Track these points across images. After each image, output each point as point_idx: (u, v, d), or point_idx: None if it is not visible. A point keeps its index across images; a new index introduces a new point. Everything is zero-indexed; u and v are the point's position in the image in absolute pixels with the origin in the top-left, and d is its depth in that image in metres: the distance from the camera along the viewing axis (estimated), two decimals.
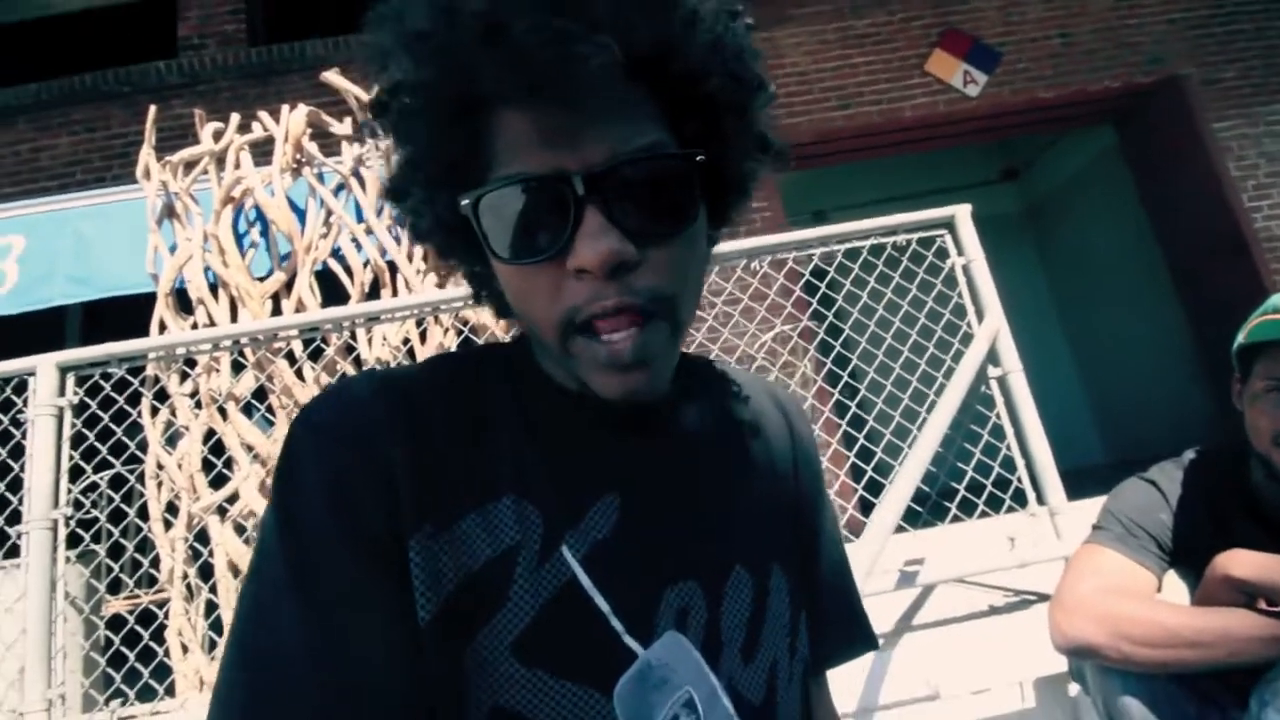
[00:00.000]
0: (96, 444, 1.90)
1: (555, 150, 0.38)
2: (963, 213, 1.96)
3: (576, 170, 0.38)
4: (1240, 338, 0.98)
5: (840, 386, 1.95)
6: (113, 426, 1.91)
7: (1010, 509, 1.81)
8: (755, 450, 0.53)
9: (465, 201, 0.40)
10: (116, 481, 1.99)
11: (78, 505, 1.86)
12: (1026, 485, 1.77)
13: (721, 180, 0.45)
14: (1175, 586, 1.03)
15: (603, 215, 0.38)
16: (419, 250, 2.23)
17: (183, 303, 2.16)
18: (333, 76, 2.37)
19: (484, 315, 2.14)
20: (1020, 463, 1.78)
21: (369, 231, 2.19)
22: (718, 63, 0.41)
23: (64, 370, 1.88)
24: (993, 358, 1.86)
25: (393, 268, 2.19)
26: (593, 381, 0.40)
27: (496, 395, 0.45)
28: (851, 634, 0.57)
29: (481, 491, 0.41)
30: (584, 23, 0.35)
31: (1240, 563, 0.87)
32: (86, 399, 1.89)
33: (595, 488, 0.43)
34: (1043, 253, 6.55)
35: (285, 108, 2.29)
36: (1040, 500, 1.76)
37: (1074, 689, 1.57)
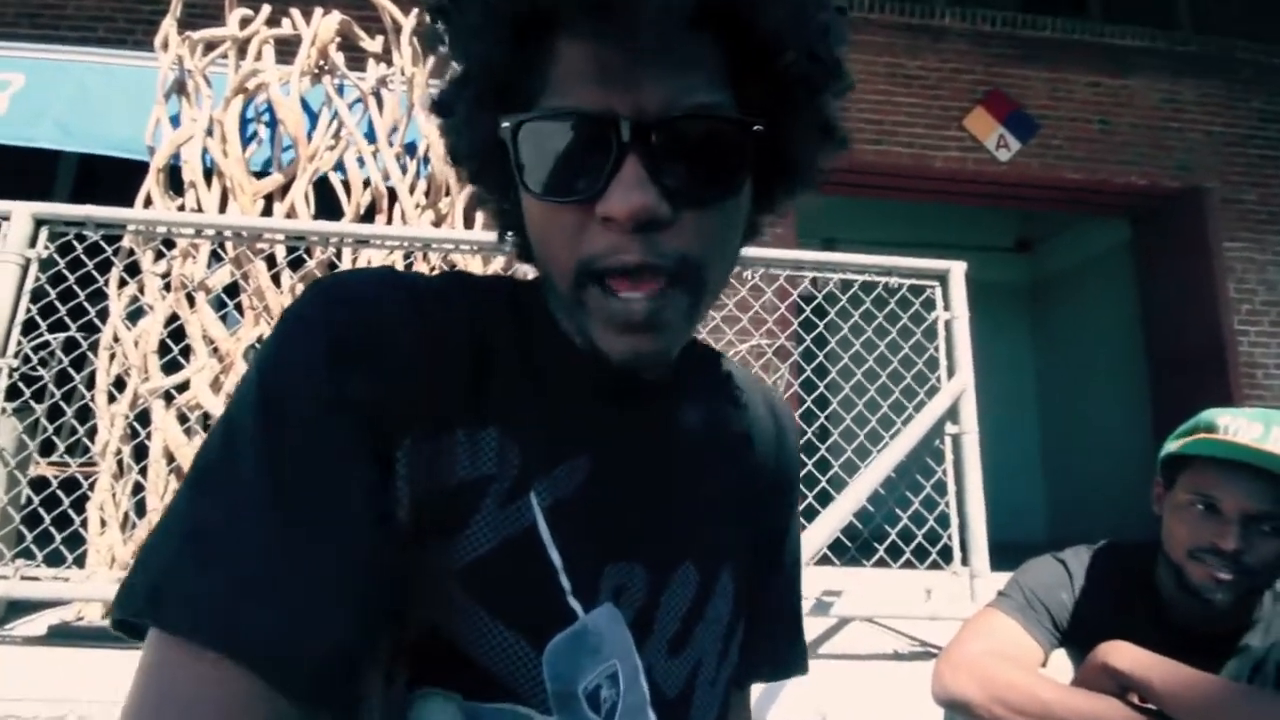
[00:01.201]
0: (57, 303, 1.87)
1: (608, 89, 0.36)
2: (958, 269, 1.98)
3: (626, 114, 0.36)
4: (1172, 446, 1.00)
5: (801, 412, 1.97)
6: (77, 289, 1.88)
7: (935, 564, 1.85)
8: (737, 453, 0.51)
9: (505, 125, 0.38)
10: (69, 345, 1.97)
11: (25, 360, 1.84)
12: (955, 544, 1.81)
13: (776, 160, 0.42)
14: (1062, 665, 1.07)
15: (642, 166, 0.36)
16: (422, 184, 2.21)
17: (174, 183, 2.12)
18: None
19: (473, 263, 2.13)
20: (955, 521, 1.82)
21: (376, 154, 2.16)
22: (799, 33, 0.38)
23: (40, 222, 1.85)
24: (953, 415, 1.90)
25: (392, 196, 2.16)
26: (598, 338, 0.39)
27: (503, 327, 0.43)
28: (788, 656, 0.55)
29: (474, 412, 0.39)
30: None
31: (1121, 654, 0.90)
32: (56, 255, 1.87)
33: (572, 445, 0.42)
34: (1036, 328, 6.64)
35: (319, 10, 2.25)
36: (965, 561, 1.80)
37: None
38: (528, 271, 0.48)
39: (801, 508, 1.90)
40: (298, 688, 0.30)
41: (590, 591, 0.40)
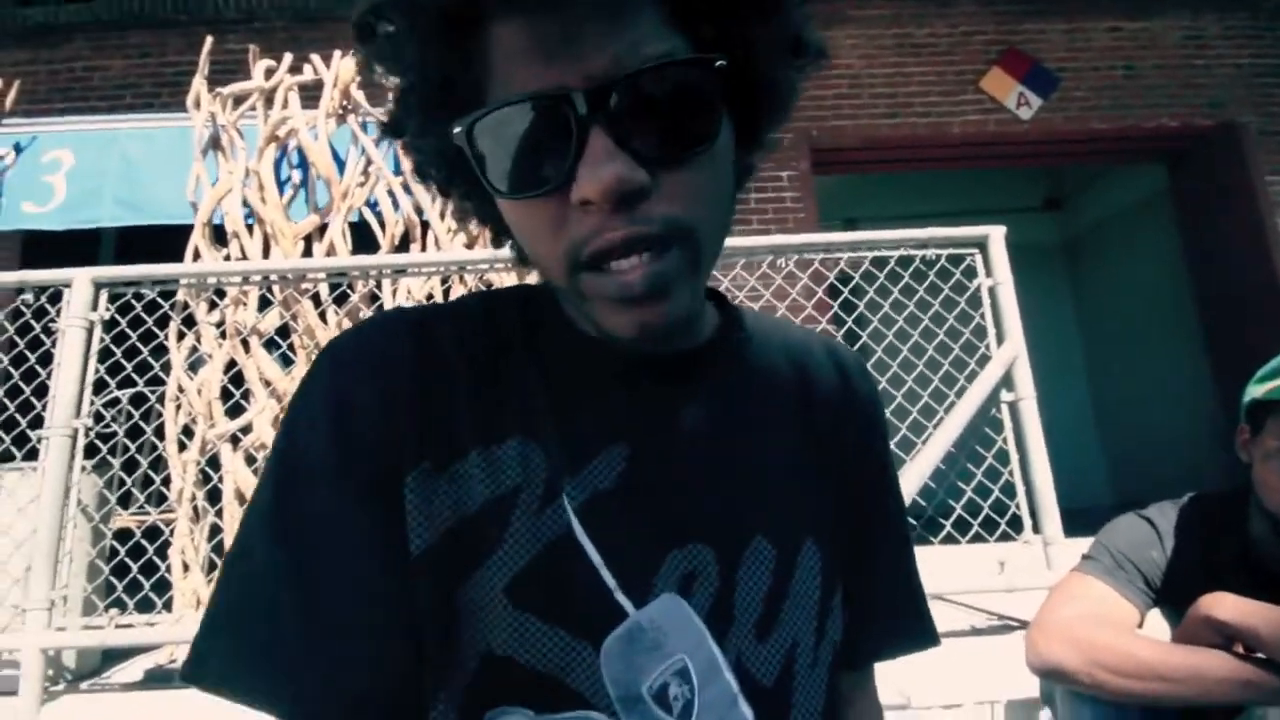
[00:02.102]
0: (122, 361, 1.96)
1: (553, 65, 0.34)
2: (997, 234, 1.94)
3: (578, 86, 0.33)
4: (1256, 391, 0.97)
5: None
6: (139, 346, 1.97)
7: (1005, 535, 1.81)
8: (800, 411, 0.47)
9: (458, 129, 0.35)
10: (137, 399, 2.06)
11: (98, 418, 1.93)
12: (1024, 512, 1.77)
13: (750, 91, 0.39)
14: (1158, 624, 1.04)
15: (609, 137, 0.33)
16: (450, 209, 2.25)
17: (218, 234, 2.21)
18: None
19: (509, 279, 2.17)
20: (1021, 489, 1.78)
21: (405, 185, 2.21)
22: None
23: (99, 286, 1.93)
24: (1008, 383, 1.86)
25: (424, 224, 2.21)
26: (606, 321, 0.37)
27: (515, 336, 0.42)
28: (907, 627, 0.50)
29: (488, 431, 0.39)
30: None
31: (1223, 605, 0.88)
32: (117, 316, 1.95)
33: (604, 436, 0.40)
34: (1075, 287, 6.45)
35: (337, 53, 2.32)
36: (1036, 529, 1.76)
37: (1044, 715, 1.58)
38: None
39: None
40: None
41: (643, 585, 0.38)
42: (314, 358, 0.41)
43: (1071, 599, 1.02)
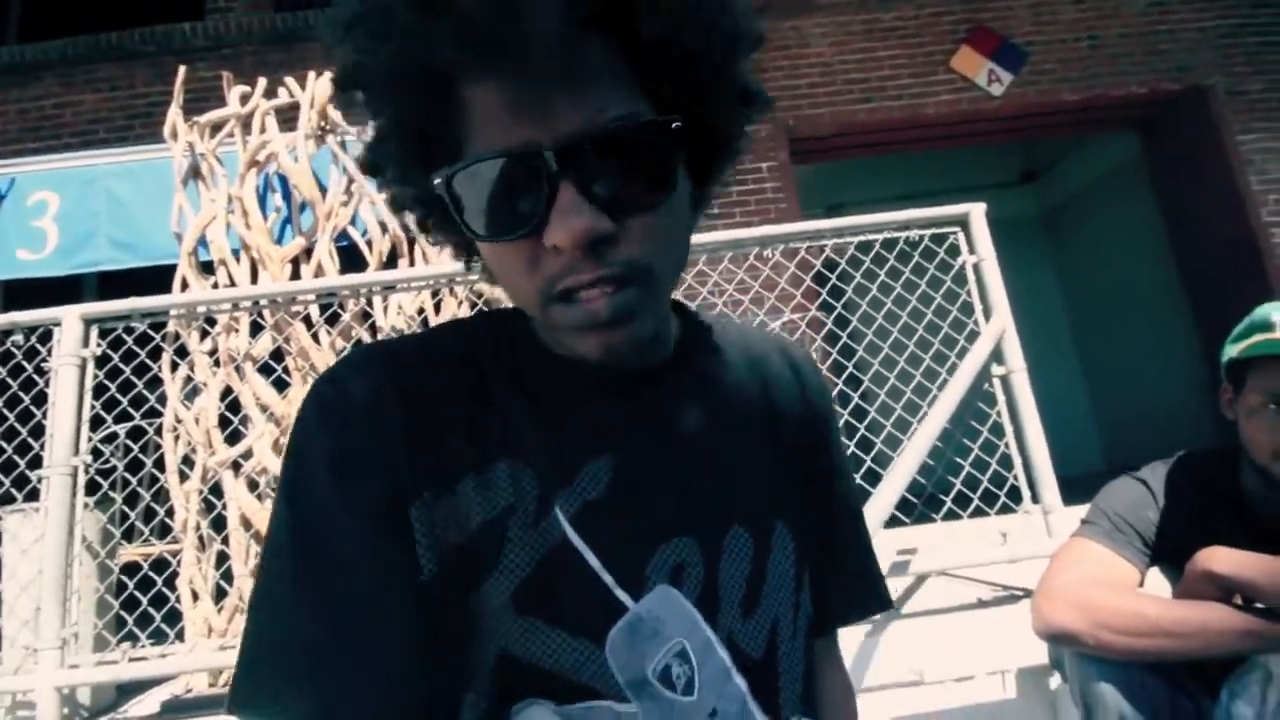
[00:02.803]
0: (117, 395, 1.95)
1: (525, 123, 0.37)
2: (977, 211, 1.97)
3: (549, 144, 0.36)
4: (1232, 351, 1.00)
5: (845, 378, 1.98)
6: (133, 379, 1.96)
7: (1005, 507, 1.84)
8: (761, 407, 0.52)
9: (437, 181, 0.39)
10: (135, 433, 2.05)
11: (96, 454, 1.92)
12: (1022, 483, 1.80)
13: (705, 140, 0.43)
14: (1159, 582, 1.07)
15: (576, 190, 0.37)
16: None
17: (204, 264, 2.21)
18: None
19: (499, 289, 2.18)
20: (1018, 460, 1.81)
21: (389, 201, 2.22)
22: (692, 13, 0.38)
23: (88, 322, 1.92)
24: (997, 357, 1.89)
25: (410, 238, 2.22)
26: (576, 344, 0.41)
27: (494, 362, 0.45)
28: (862, 593, 0.56)
29: (477, 457, 0.42)
30: None
31: (1221, 559, 0.90)
32: (109, 351, 1.95)
33: (589, 450, 0.44)
34: (1057, 258, 6.53)
35: (311, 74, 2.32)
36: (1035, 499, 1.79)
37: (1055, 681, 1.61)
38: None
39: (860, 473, 1.91)
40: None
41: (637, 579, 0.42)
42: (299, 407, 0.42)
43: (1072, 564, 1.05)
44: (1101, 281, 5.97)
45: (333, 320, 2.12)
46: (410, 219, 0.48)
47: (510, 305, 0.48)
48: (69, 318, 1.90)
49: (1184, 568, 0.96)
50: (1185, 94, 4.33)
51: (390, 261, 2.21)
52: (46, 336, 1.93)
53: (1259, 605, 0.89)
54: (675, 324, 0.52)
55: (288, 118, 2.32)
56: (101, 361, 1.95)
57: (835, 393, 2.13)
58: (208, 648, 1.84)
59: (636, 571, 0.42)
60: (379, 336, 2.09)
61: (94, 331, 1.94)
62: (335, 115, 2.27)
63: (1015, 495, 1.82)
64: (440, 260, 2.20)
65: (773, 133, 4.11)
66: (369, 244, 2.19)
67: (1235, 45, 4.37)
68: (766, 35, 0.44)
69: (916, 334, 1.97)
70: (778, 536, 0.48)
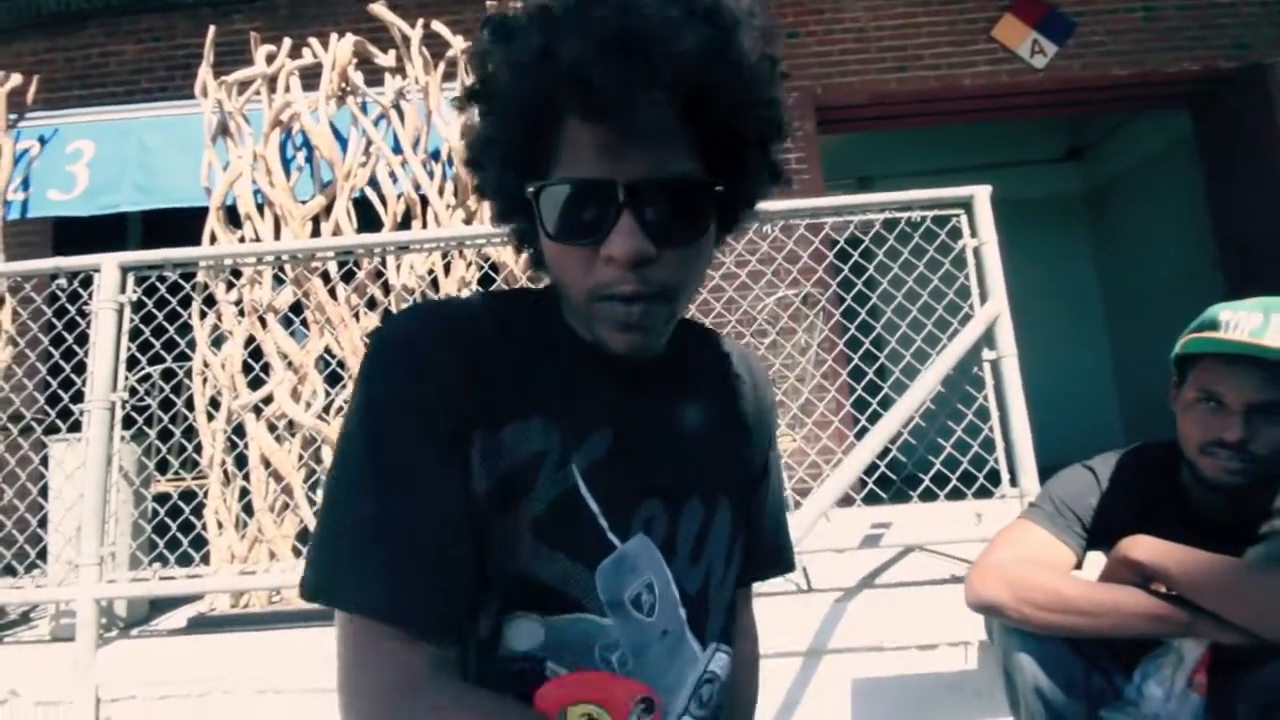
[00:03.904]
0: (151, 339, 2.10)
1: (607, 162, 0.48)
2: (982, 194, 1.96)
3: (621, 181, 0.48)
4: (1177, 346, 1.02)
5: (834, 355, 2.01)
6: (166, 325, 2.11)
7: (983, 490, 1.88)
8: (726, 409, 0.66)
9: (530, 190, 0.51)
10: (167, 374, 2.21)
11: (133, 392, 2.08)
12: (1002, 467, 1.83)
13: (734, 199, 0.56)
14: (1098, 566, 1.12)
15: (634, 219, 0.49)
16: (449, 186, 2.33)
17: (232, 217, 2.32)
18: (380, 9, 2.44)
19: (505, 254, 2.25)
20: (1000, 445, 1.84)
21: (404, 164, 2.29)
22: (748, 111, 0.51)
23: (125, 270, 2.06)
24: (990, 341, 1.90)
25: (424, 201, 2.30)
26: (604, 336, 0.52)
27: (534, 336, 0.56)
28: (776, 559, 0.73)
29: (521, 409, 0.53)
30: (648, 71, 0.45)
31: (1141, 547, 0.95)
32: (144, 298, 2.09)
33: (596, 421, 0.55)
34: (1097, 238, 6.30)
35: (334, 36, 2.38)
36: (1014, 483, 1.82)
37: (1023, 659, 1.67)
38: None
39: (843, 447, 1.97)
40: (436, 636, 0.48)
41: (625, 527, 0.55)
42: (375, 335, 0.54)
43: (1011, 543, 1.10)
44: (1140, 265, 5.76)
45: (349, 277, 2.22)
46: (492, 209, 0.60)
47: (518, 274, 0.62)
48: (108, 265, 2.04)
49: (1111, 552, 1.00)
50: (1241, 73, 4.10)
51: (404, 222, 2.29)
52: (88, 281, 2.07)
53: (1174, 593, 0.93)
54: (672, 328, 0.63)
55: (312, 76, 2.39)
56: (138, 307, 2.10)
57: (850, 368, 2.16)
58: (230, 572, 2.02)
59: (624, 520, 0.55)
60: (391, 295, 2.19)
61: (130, 279, 2.08)
62: (356, 78, 2.33)
63: (995, 479, 1.85)
64: (451, 223, 2.28)
65: (800, 101, 4.04)
66: (384, 204, 2.28)
67: None
68: (792, 128, 0.57)
69: (910, 315, 1.98)
70: (720, 507, 0.62)
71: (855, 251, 2.01)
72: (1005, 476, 1.84)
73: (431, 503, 0.49)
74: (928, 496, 1.89)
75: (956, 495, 1.90)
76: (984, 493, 1.87)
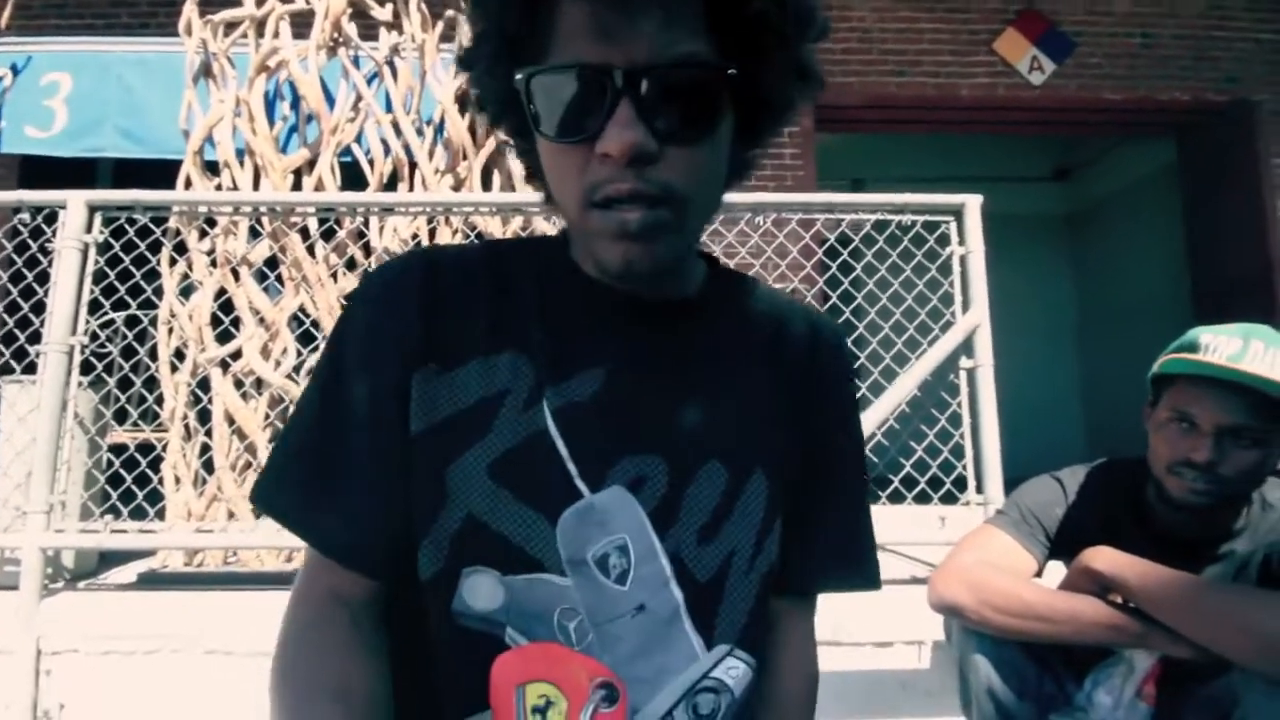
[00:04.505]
0: (116, 283, 2.02)
1: (603, 44, 0.42)
2: (973, 203, 1.97)
3: (619, 65, 0.42)
4: (1155, 366, 1.04)
5: None
6: (133, 269, 2.03)
7: (949, 495, 1.90)
8: (772, 365, 0.55)
9: (519, 77, 0.45)
10: (131, 321, 2.13)
11: (93, 337, 2.01)
12: (970, 474, 1.86)
13: (755, 100, 0.48)
14: (1058, 576, 1.14)
15: (633, 109, 0.42)
16: (440, 151, 2.27)
17: (209, 164, 2.24)
18: None
19: (493, 223, 2.21)
20: (969, 452, 1.86)
21: (395, 124, 2.23)
22: None
23: (93, 209, 1.98)
24: (969, 350, 1.92)
25: (412, 164, 2.24)
26: (602, 253, 0.46)
27: (523, 272, 0.53)
28: (850, 569, 0.58)
29: (488, 344, 0.50)
30: None
31: (1102, 558, 0.97)
32: (111, 239, 2.01)
33: (586, 359, 0.50)
34: (1076, 258, 6.43)
35: None
36: (979, 489, 1.85)
37: (978, 659, 1.70)
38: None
39: None
40: (339, 556, 0.48)
41: (598, 476, 0.47)
42: (357, 284, 0.54)
43: (976, 547, 1.11)
44: (1115, 288, 5.90)
45: (329, 235, 2.16)
46: (487, 117, 0.54)
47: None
48: (74, 202, 1.95)
49: (1073, 562, 1.02)
50: (1229, 107, 4.19)
51: (390, 185, 2.23)
52: (53, 218, 1.98)
53: (1130, 604, 0.95)
54: (703, 272, 0.57)
55: (303, 23, 2.30)
56: (104, 248, 2.01)
57: None
58: (185, 529, 1.96)
59: (599, 469, 0.48)
60: (372, 257, 2.14)
61: (98, 219, 1.99)
62: (349, 29, 2.26)
63: (961, 485, 1.88)
64: (439, 189, 2.23)
65: None
66: (371, 163, 2.21)
67: None
68: (828, 26, 0.49)
69: (893, 318, 1.99)
70: (753, 481, 0.52)
71: (845, 250, 2.01)
72: (972, 483, 1.87)
73: (357, 430, 0.48)
74: (896, 498, 1.91)
75: (923, 499, 1.93)
76: (950, 498, 1.90)
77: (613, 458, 0.48)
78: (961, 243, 1.97)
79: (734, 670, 0.49)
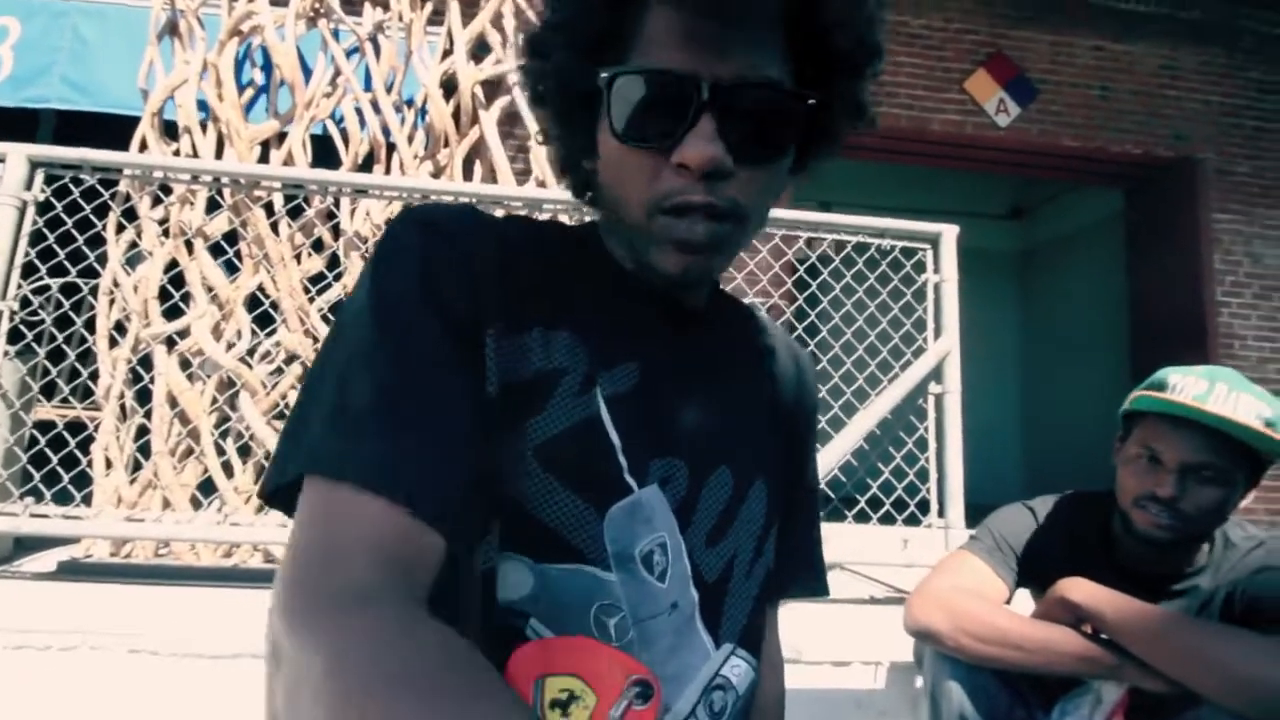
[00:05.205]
0: (55, 247, 1.87)
1: (692, 54, 0.42)
2: (949, 233, 2.02)
3: (706, 77, 0.42)
4: (1125, 403, 1.08)
5: None
6: (75, 233, 1.88)
7: (912, 518, 1.93)
8: (764, 382, 0.58)
9: (604, 75, 0.44)
10: (68, 289, 1.98)
11: (24, 303, 1.85)
12: (933, 497, 1.89)
13: (817, 130, 0.49)
14: (1026, 602, 1.16)
15: (715, 123, 0.42)
16: (420, 135, 2.20)
17: (168, 127, 2.10)
18: None
19: None
20: (934, 476, 1.89)
21: (374, 103, 2.14)
22: (851, 25, 0.45)
23: (35, 164, 1.83)
24: (938, 375, 1.96)
25: (390, 146, 2.16)
26: (659, 258, 0.45)
27: (569, 252, 0.51)
28: (811, 576, 0.62)
29: (550, 315, 0.46)
30: None
31: (1077, 589, 0.98)
32: (53, 199, 1.86)
33: (626, 352, 0.49)
34: (1024, 296, 6.72)
35: None
36: (941, 513, 1.88)
37: (920, 680, 1.73)
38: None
39: None
40: (432, 515, 0.38)
41: (643, 472, 0.47)
42: (391, 222, 0.46)
43: (951, 572, 1.12)
44: (1058, 327, 6.18)
45: (295, 213, 2.06)
46: (544, 111, 0.51)
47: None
48: (14, 156, 1.81)
49: (1048, 592, 1.04)
50: (1175, 163, 4.45)
51: (365, 166, 2.14)
52: None
53: (1104, 636, 0.97)
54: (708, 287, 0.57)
55: None
56: (44, 209, 1.86)
57: None
58: (114, 516, 1.82)
59: (644, 466, 0.47)
60: (341, 240, 2.04)
61: (39, 175, 1.85)
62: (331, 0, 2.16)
63: (925, 507, 1.91)
64: (417, 174, 2.15)
65: None
66: (346, 141, 2.12)
67: (1235, 125, 4.49)
68: (884, 68, 0.50)
69: (868, 339, 2.02)
70: (755, 489, 0.54)
71: (825, 269, 2.03)
72: (934, 507, 1.90)
73: (442, 386, 0.40)
74: (861, 518, 1.93)
75: (888, 520, 1.95)
76: (913, 520, 1.93)
77: (652, 455, 0.48)
78: (936, 271, 2.01)
79: (737, 669, 0.50)
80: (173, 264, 1.97)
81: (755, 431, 0.55)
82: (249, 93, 2.13)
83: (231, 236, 2.03)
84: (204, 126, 2.06)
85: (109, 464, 1.90)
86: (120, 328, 1.97)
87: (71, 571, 1.81)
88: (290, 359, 1.90)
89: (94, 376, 1.98)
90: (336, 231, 2.07)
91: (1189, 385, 1.00)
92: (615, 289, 0.51)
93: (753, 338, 0.60)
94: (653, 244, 0.46)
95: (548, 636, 0.43)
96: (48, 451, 1.83)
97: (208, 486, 1.91)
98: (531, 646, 0.43)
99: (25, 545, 1.96)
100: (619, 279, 0.51)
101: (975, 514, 1.90)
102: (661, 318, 0.51)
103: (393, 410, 0.39)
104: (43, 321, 1.91)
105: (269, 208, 2.00)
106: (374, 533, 0.36)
